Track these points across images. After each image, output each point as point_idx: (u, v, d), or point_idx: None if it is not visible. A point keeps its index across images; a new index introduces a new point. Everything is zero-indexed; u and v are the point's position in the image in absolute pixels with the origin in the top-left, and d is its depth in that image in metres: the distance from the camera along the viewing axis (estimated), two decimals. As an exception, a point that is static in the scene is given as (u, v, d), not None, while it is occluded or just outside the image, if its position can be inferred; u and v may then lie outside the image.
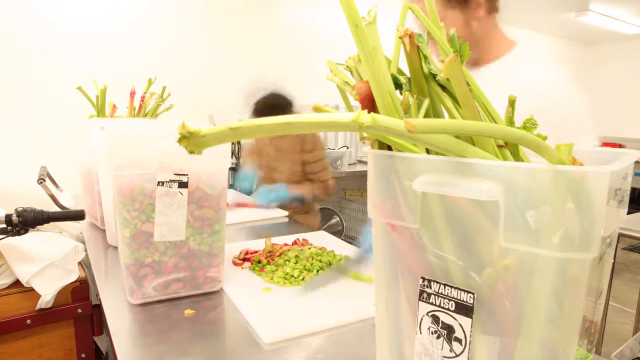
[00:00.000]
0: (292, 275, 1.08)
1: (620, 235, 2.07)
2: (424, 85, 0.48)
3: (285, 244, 1.30)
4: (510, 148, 0.46)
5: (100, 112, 1.61)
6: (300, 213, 1.99)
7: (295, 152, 1.93)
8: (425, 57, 0.47)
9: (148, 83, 1.68)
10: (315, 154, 1.95)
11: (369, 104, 0.49)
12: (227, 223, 1.61)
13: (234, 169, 2.73)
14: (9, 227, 1.02)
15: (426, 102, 0.48)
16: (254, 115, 1.93)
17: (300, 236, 1.41)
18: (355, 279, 1.08)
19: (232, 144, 2.77)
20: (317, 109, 0.43)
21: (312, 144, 1.95)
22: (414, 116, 0.46)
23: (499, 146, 0.45)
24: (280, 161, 1.96)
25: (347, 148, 3.44)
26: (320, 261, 1.16)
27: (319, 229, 1.72)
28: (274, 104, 1.91)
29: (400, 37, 0.44)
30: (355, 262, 1.15)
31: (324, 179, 1.98)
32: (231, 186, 2.58)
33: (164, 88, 1.70)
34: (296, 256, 1.20)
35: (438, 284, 0.45)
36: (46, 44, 2.47)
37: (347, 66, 0.52)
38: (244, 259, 1.19)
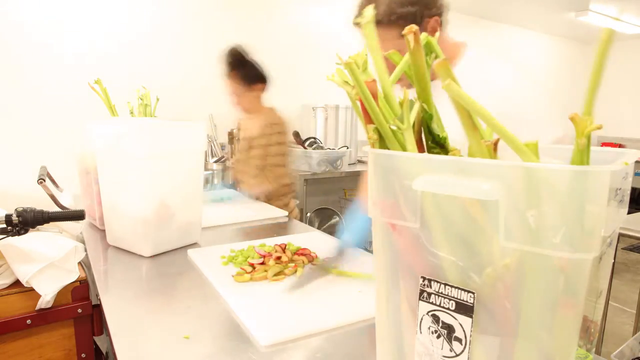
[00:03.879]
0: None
1: (620, 235, 2.07)
2: (425, 85, 0.48)
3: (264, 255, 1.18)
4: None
5: (113, 112, 1.61)
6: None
7: (262, 140, 1.90)
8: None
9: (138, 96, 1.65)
10: (280, 148, 1.93)
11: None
12: (226, 223, 1.63)
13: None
14: (9, 227, 1.02)
15: (416, 105, 0.48)
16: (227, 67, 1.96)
17: (291, 238, 1.38)
18: (339, 275, 1.06)
19: (232, 144, 2.76)
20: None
21: (280, 136, 1.91)
22: (405, 116, 0.46)
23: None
24: (249, 151, 1.95)
25: (347, 148, 3.42)
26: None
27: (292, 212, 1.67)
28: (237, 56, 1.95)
29: (403, 35, 0.44)
30: (335, 259, 1.12)
31: (278, 174, 1.94)
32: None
33: (157, 99, 1.68)
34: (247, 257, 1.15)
35: (438, 284, 0.45)
36: (47, 43, 2.47)
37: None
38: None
